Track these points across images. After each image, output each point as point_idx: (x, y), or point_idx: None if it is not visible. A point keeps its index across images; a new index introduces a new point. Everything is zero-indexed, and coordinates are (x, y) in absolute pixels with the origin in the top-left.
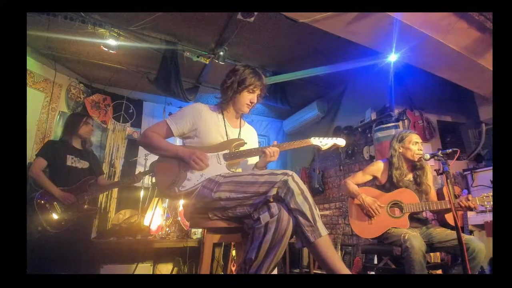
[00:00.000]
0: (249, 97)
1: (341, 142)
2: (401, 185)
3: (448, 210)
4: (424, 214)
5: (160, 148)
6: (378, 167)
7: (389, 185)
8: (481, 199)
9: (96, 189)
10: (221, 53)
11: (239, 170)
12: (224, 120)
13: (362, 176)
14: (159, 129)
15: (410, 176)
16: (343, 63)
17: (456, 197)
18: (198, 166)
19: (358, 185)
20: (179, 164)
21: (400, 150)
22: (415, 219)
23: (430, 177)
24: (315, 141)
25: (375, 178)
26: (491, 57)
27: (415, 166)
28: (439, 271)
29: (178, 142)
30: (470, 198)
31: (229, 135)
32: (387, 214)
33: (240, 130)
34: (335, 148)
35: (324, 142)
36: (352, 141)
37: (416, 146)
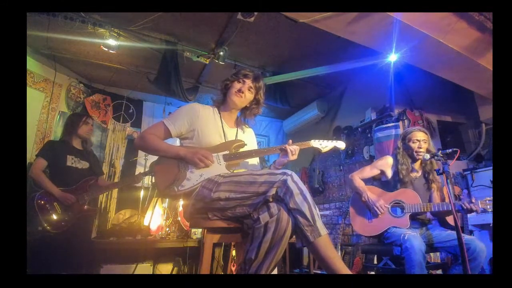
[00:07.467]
0: (238, 86)
1: (340, 144)
2: (406, 180)
3: (449, 213)
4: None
5: (160, 150)
6: (387, 161)
7: (394, 180)
8: (483, 203)
9: (96, 190)
10: (221, 53)
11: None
12: (221, 119)
13: (369, 171)
14: (156, 130)
15: (416, 174)
16: (343, 63)
17: (456, 197)
18: (204, 163)
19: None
20: (178, 163)
21: (402, 148)
22: (416, 219)
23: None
24: (315, 143)
25: (382, 172)
26: (491, 57)
27: (425, 165)
28: (439, 271)
29: (178, 143)
30: (473, 201)
31: (227, 134)
32: (388, 213)
33: (237, 130)
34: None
35: (324, 145)
36: (352, 141)
37: (416, 144)
